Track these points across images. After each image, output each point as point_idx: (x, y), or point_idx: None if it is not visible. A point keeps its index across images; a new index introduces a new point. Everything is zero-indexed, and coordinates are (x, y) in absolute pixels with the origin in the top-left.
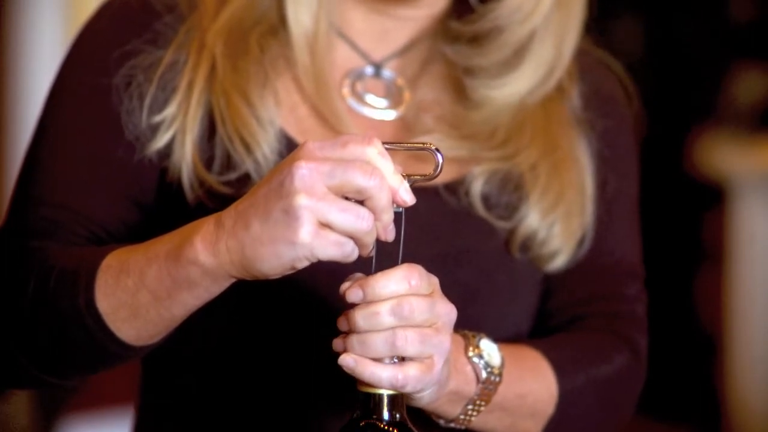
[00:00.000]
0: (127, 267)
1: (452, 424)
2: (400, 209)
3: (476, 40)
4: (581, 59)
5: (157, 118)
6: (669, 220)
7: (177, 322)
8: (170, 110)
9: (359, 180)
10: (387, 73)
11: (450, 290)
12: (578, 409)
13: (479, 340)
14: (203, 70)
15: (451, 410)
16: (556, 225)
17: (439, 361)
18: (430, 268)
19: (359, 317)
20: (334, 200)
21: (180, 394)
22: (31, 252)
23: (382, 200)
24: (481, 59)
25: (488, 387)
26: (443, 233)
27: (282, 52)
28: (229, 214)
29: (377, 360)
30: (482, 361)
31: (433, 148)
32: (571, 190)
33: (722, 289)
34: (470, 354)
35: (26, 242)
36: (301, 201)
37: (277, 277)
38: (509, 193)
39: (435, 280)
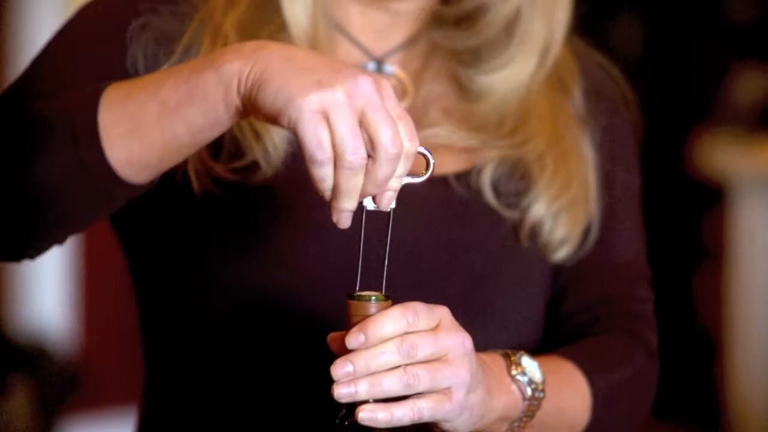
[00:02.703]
0: (143, 82)
1: None
2: (390, 209)
3: (463, 23)
4: (582, 61)
5: None
6: (669, 220)
7: (173, 152)
8: None
9: (385, 130)
10: (389, 68)
11: (457, 277)
12: (610, 414)
13: (520, 358)
14: None
15: (499, 429)
16: (563, 213)
17: (459, 391)
18: (437, 255)
19: (363, 360)
20: (352, 118)
21: (183, 395)
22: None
23: (383, 168)
24: (469, 41)
25: (533, 403)
26: (451, 221)
27: None
28: (276, 44)
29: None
30: (526, 378)
31: (424, 150)
32: (577, 179)
33: (722, 289)
34: (513, 372)
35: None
36: (338, 91)
37: (262, 115)
38: (517, 181)
39: (441, 312)
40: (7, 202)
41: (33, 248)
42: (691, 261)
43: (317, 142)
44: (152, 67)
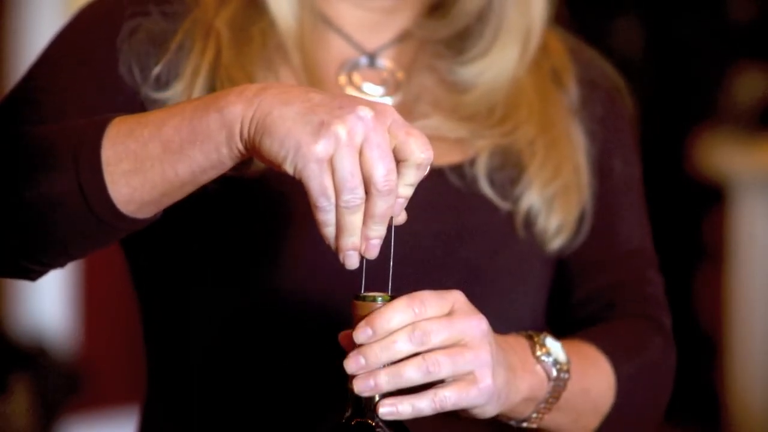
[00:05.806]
0: (146, 120)
1: (524, 424)
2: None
3: (439, 13)
4: (575, 54)
5: (159, 96)
6: (669, 220)
7: (174, 192)
8: (172, 92)
9: (379, 168)
10: (381, 62)
11: (453, 268)
12: (634, 397)
13: (544, 339)
14: (208, 56)
15: (525, 411)
16: (556, 200)
17: (485, 375)
18: (433, 246)
19: (375, 351)
20: (352, 158)
21: (185, 394)
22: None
23: (378, 206)
24: (444, 30)
25: (559, 384)
26: (446, 211)
27: (281, 45)
28: (277, 87)
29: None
30: (551, 359)
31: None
32: (568, 165)
33: (722, 289)
34: (538, 353)
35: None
36: (340, 131)
37: (265, 159)
38: (510, 169)
39: (453, 297)
40: (5, 224)
41: (32, 271)
42: (691, 261)
43: (322, 190)
44: (146, 67)
